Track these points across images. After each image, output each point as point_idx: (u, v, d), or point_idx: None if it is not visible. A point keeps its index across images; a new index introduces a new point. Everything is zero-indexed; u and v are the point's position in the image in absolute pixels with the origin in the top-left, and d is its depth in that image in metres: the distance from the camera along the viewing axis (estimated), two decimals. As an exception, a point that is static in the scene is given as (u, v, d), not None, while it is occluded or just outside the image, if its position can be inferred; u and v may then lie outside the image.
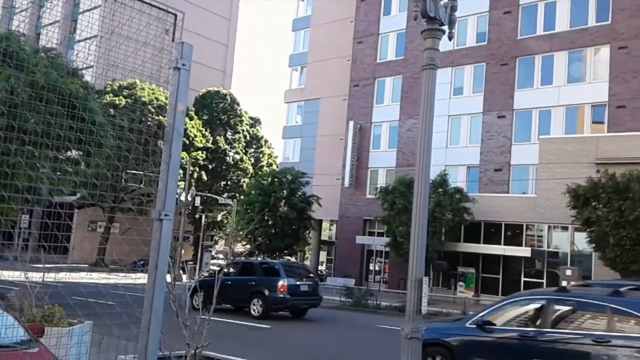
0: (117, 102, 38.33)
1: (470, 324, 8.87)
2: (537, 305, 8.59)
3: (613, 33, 29.71)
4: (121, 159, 3.71)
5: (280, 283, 17.40)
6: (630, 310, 7.54)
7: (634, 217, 20.55)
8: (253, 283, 17.97)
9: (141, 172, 4.46)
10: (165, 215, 3.30)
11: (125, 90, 42.72)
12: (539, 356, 7.92)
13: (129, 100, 40.03)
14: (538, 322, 8.25)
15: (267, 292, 17.43)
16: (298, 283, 18.09)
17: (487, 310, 9.00)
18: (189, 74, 3.24)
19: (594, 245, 22.68)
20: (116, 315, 4.13)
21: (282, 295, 17.37)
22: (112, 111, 32.51)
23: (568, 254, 28.48)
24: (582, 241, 25.67)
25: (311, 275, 20.18)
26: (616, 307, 7.76)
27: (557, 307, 8.35)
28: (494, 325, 8.50)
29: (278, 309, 17.94)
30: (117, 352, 3.93)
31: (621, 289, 8.50)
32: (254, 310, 17.48)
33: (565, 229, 28.28)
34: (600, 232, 21.63)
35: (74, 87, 9.40)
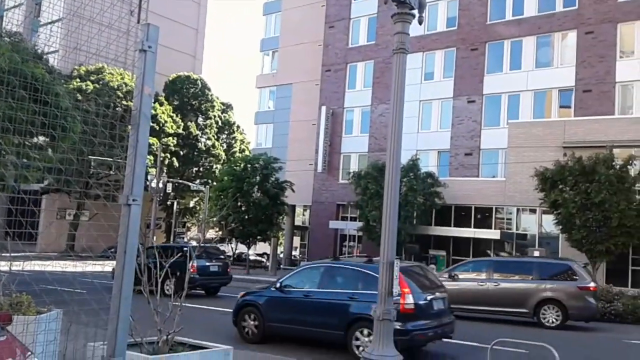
0: (84, 87, 37.51)
1: (273, 288, 11.17)
2: (318, 271, 10.96)
3: (580, 18, 30.20)
4: (87, 144, 3.64)
5: (190, 264, 17.97)
6: (374, 274, 9.07)
7: (600, 200, 21.09)
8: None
9: (108, 159, 4.39)
10: (134, 200, 3.26)
11: (93, 75, 41.85)
12: (314, 309, 10.17)
13: (97, 85, 39.23)
14: (317, 283, 10.62)
15: (178, 273, 18.09)
16: (207, 264, 19.92)
17: (285, 277, 11.29)
18: (155, 56, 3.18)
19: (560, 227, 23.23)
20: (85, 302, 4.09)
21: (191, 276, 18.29)
22: (79, 96, 31.80)
23: (536, 236, 29.11)
24: (549, 223, 26.28)
25: (222, 257, 22.11)
26: (366, 271, 10.11)
27: (330, 272, 10.79)
28: (291, 287, 10.82)
29: (189, 287, 18.85)
30: (86, 339, 3.89)
31: (374, 259, 10.62)
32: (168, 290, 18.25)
33: (533, 211, 28.87)
34: (566, 214, 22.15)
35: (39, 71, 9.17)
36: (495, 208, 30.81)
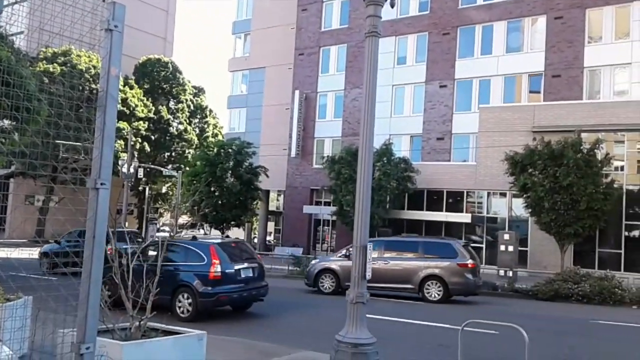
0: (51, 69, 36.59)
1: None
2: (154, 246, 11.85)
3: (549, 3, 30.54)
4: (52, 127, 3.54)
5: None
6: (194, 248, 12.14)
7: (568, 183, 21.54)
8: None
9: (75, 143, 4.29)
10: (102, 184, 3.20)
11: (60, 57, 40.83)
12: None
13: (64, 68, 38.28)
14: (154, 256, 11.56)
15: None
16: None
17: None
18: (122, 36, 3.10)
19: (530, 210, 23.67)
20: (53, 288, 4.02)
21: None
22: (46, 79, 30.98)
23: (506, 219, 29.64)
24: (519, 207, 26.77)
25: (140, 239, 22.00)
26: (189, 247, 12.21)
27: (170, 247, 11.67)
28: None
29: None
30: (55, 326, 3.83)
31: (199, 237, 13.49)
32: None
33: (503, 195, 29.36)
34: (535, 197, 22.58)
35: (4, 53, 8.88)
36: (467, 192, 31.23)
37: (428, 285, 16.63)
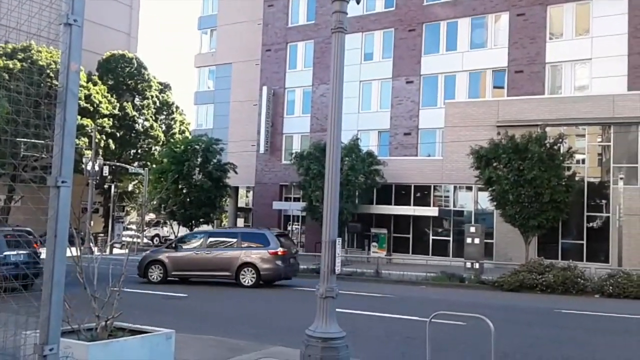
0: (11, 65, 35.59)
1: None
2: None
3: (512, 0, 31.11)
4: (10, 124, 3.45)
5: None
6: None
7: (532, 176, 22.05)
8: None
9: (35, 140, 4.19)
10: (63, 182, 3.13)
11: (20, 53, 39.75)
12: None
13: (24, 64, 37.27)
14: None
15: None
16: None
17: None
18: (81, 30, 3.04)
19: (495, 203, 24.13)
20: (14, 289, 3.92)
21: None
22: (6, 75, 30.11)
23: (472, 212, 30.14)
24: (484, 200, 27.27)
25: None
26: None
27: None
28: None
29: None
30: (18, 327, 3.74)
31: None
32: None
33: (469, 189, 29.84)
34: (500, 190, 23.04)
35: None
36: (434, 186, 31.63)
37: (243, 272, 17.69)
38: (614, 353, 9.56)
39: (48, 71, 37.27)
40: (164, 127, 52.83)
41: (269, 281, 18.03)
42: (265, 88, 37.91)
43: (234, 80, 42.25)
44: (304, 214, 32.82)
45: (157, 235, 45.75)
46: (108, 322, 5.66)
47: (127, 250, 27.01)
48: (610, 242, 25.68)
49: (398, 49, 34.23)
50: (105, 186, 46.55)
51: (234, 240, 18.63)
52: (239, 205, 43.12)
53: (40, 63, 38.71)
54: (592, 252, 26.67)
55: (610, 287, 17.80)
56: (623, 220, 24.01)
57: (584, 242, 27.00)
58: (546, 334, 10.98)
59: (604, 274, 19.00)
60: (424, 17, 33.67)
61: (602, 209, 26.88)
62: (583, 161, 27.18)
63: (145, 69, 51.55)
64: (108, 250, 30.39)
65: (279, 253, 17.83)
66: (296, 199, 34.87)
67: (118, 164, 44.26)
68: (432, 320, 6.98)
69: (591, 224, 27.12)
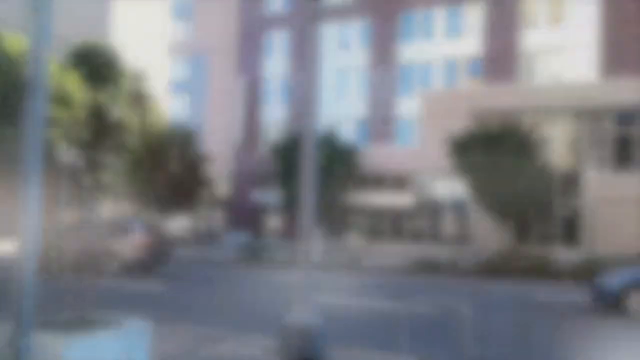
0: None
1: None
2: None
3: (488, -10, 31.31)
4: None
5: None
6: None
7: (506, 164, 22.33)
8: None
9: (4, 131, 4.11)
10: (33, 172, 3.07)
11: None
12: None
13: (-7, 53, 36.31)
14: None
15: None
16: None
17: None
18: (50, 17, 2.97)
19: (471, 191, 24.39)
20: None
21: None
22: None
23: (449, 200, 30.40)
24: (460, 188, 27.53)
25: None
26: None
27: None
28: None
29: None
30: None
31: None
32: None
33: (446, 177, 30.04)
34: (476, 178, 23.29)
35: None
36: (411, 175, 31.80)
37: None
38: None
39: (18, 60, 36.42)
40: (138, 116, 52.10)
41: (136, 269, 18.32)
42: (242, 77, 37.61)
43: (210, 70, 41.84)
44: (280, 204, 32.78)
45: None
46: (83, 314, 5.60)
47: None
48: (583, 228, 26.21)
49: (375, 37, 34.23)
50: (79, 177, 45.85)
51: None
52: (216, 195, 42.84)
53: (10, 51, 37.78)
54: (565, 238, 27.18)
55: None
56: (594, 207, 24.50)
57: (557, 228, 27.50)
58: (521, 318, 11.19)
59: (577, 259, 19.41)
60: (401, 6, 33.70)
61: (574, 196, 27.39)
62: (556, 149, 27.61)
63: (120, 58, 50.68)
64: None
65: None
66: (273, 189, 34.79)
67: (92, 154, 43.57)
68: (409, 306, 7.07)
69: (563, 211, 27.62)
